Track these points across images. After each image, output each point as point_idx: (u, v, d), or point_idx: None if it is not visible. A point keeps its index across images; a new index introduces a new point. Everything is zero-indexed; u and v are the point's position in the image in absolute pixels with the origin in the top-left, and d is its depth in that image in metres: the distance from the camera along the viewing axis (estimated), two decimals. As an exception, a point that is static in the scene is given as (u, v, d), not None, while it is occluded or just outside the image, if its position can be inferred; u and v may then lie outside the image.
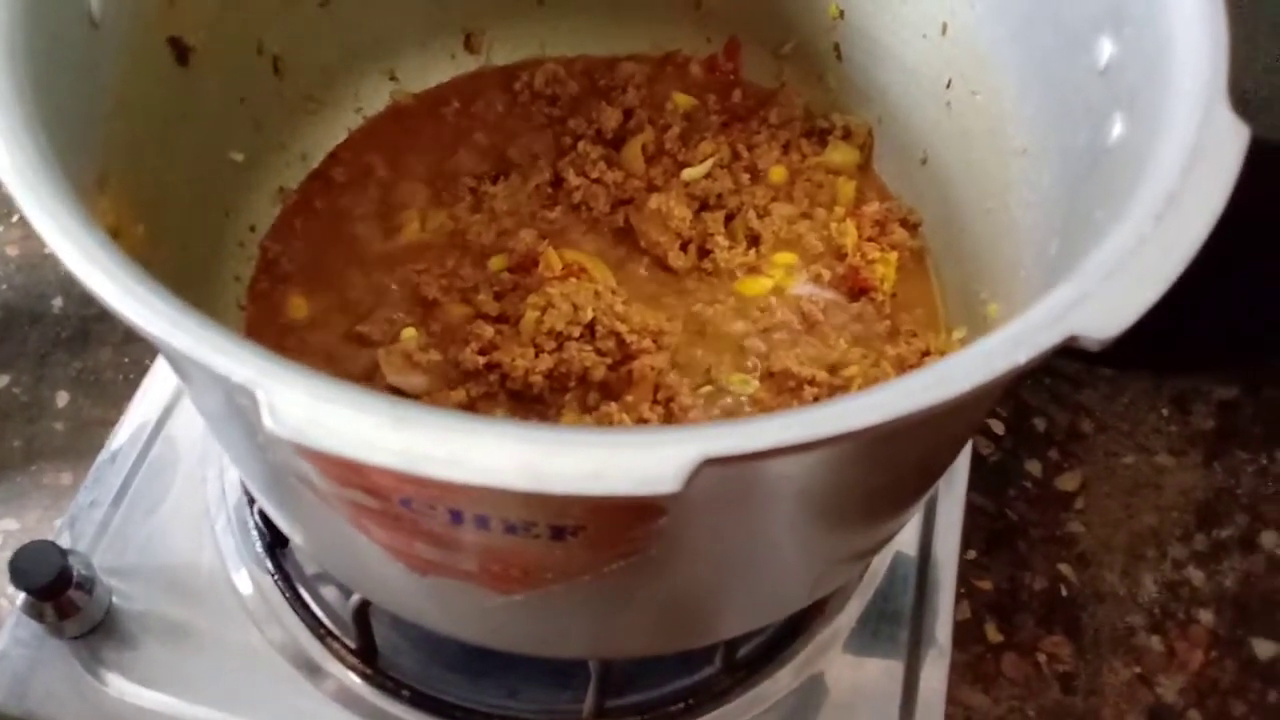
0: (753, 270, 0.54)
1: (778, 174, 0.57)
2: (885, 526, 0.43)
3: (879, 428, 0.25)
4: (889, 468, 0.34)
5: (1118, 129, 0.36)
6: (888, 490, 0.37)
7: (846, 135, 0.58)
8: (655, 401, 0.49)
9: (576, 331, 0.49)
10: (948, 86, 0.51)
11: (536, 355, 0.49)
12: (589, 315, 0.50)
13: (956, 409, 0.27)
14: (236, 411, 0.33)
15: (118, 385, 0.80)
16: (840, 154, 0.58)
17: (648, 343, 0.50)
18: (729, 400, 0.49)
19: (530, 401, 0.49)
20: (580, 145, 0.58)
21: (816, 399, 0.49)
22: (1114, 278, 0.28)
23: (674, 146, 0.58)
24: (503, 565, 0.33)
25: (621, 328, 0.50)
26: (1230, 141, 0.31)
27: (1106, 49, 0.39)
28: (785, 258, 0.54)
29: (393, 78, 0.60)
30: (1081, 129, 0.39)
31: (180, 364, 0.35)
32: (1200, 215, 0.29)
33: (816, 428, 0.25)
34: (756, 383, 0.50)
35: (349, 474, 0.29)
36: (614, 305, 0.51)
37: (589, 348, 0.49)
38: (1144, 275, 0.27)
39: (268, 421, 0.24)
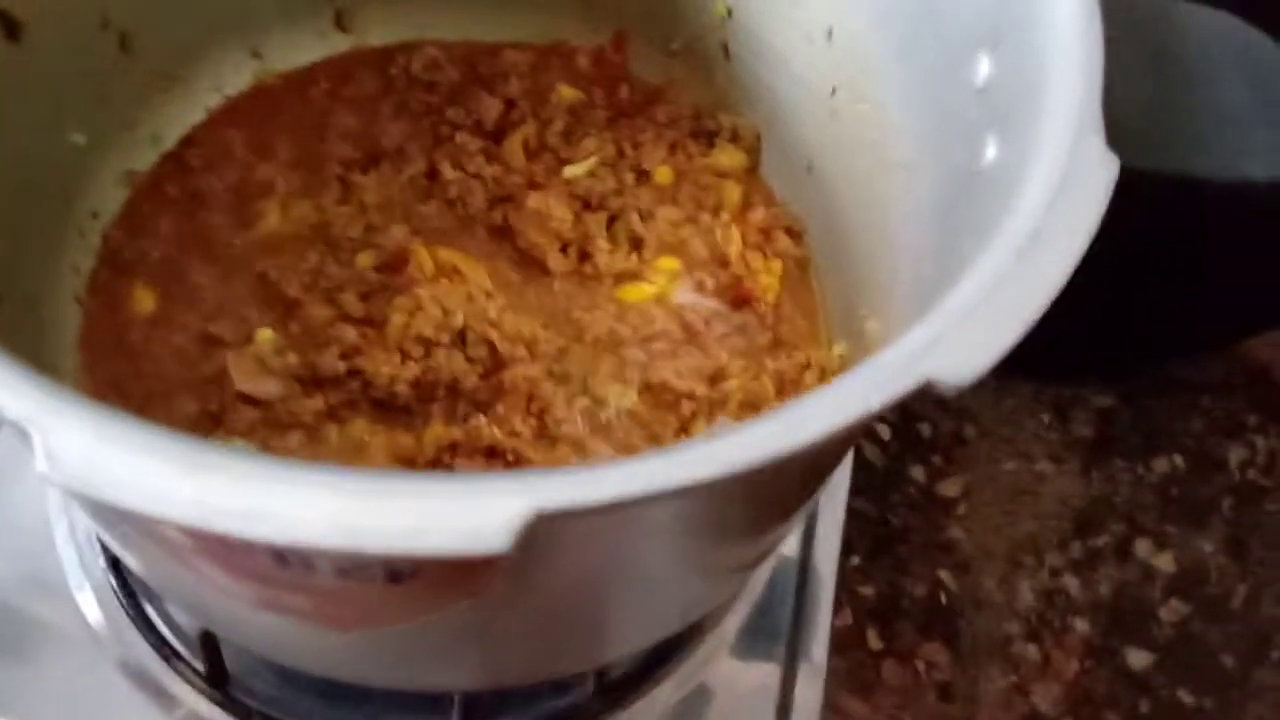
0: (634, 276, 0.52)
1: (663, 175, 0.56)
2: (751, 550, 0.42)
3: (724, 479, 0.23)
4: (747, 505, 0.33)
5: (991, 151, 0.36)
6: (748, 524, 0.36)
7: (734, 138, 0.56)
8: (528, 414, 0.47)
9: (446, 338, 0.47)
10: (833, 94, 0.50)
11: (403, 362, 0.46)
12: (460, 320, 0.47)
13: (806, 453, 0.25)
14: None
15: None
16: (728, 156, 0.56)
17: (522, 351, 0.48)
18: (605, 413, 0.48)
19: (394, 411, 0.46)
20: (458, 136, 0.55)
21: (694, 414, 0.47)
22: (971, 319, 0.26)
23: (557, 142, 0.56)
24: (337, 607, 0.31)
25: (494, 334, 0.47)
26: (1099, 174, 0.30)
27: (984, 67, 0.38)
28: (668, 263, 0.53)
29: (256, 55, 0.56)
30: (958, 148, 0.38)
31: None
32: (1064, 254, 0.28)
33: (660, 479, 0.23)
34: (634, 395, 0.48)
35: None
36: (487, 310, 0.48)
37: (459, 355, 0.47)
38: (1001, 318, 0.26)
39: (42, 466, 0.22)
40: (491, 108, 0.56)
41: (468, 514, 0.22)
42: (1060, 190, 0.30)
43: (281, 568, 0.28)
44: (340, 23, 0.58)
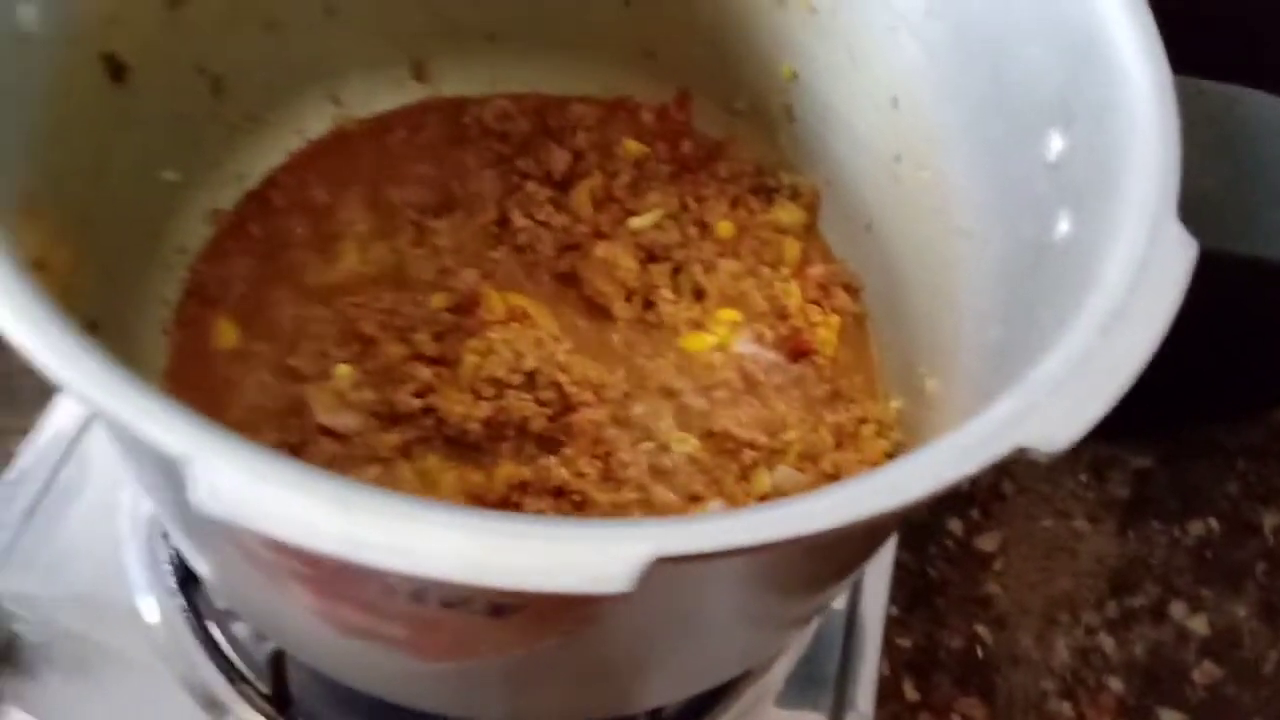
0: (696, 325, 0.54)
1: (725, 229, 0.57)
2: (814, 603, 0.43)
3: (827, 534, 0.25)
4: (829, 559, 0.34)
5: (1064, 226, 0.37)
6: (819, 577, 0.37)
7: (794, 195, 0.58)
8: (594, 456, 0.48)
9: (517, 379, 0.49)
10: (896, 160, 0.51)
11: (475, 401, 0.48)
12: (530, 363, 0.49)
13: (905, 511, 0.27)
14: (165, 467, 0.31)
15: (32, 394, 0.77)
16: (787, 213, 0.58)
17: (589, 395, 0.49)
18: (668, 459, 0.49)
19: (466, 448, 0.48)
20: (528, 185, 0.57)
21: (755, 463, 0.49)
22: (1061, 391, 0.28)
23: (623, 194, 0.58)
24: (434, 637, 0.32)
25: (563, 378, 0.49)
26: (1178, 258, 0.32)
27: (1057, 143, 0.39)
28: (729, 314, 0.54)
29: (336, 101, 0.59)
30: (1028, 221, 0.40)
31: (114, 427, 0.33)
32: (1146, 332, 0.29)
33: (768, 530, 0.25)
34: (696, 441, 0.50)
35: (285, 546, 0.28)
36: (556, 355, 0.50)
37: (529, 397, 0.49)
38: (1091, 391, 0.28)
39: (202, 499, 0.23)
40: (560, 159, 0.58)
41: (594, 556, 0.24)
42: (1141, 271, 0.31)
43: (388, 598, 0.30)
44: (417, 73, 0.60)
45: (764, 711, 0.54)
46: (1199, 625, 0.75)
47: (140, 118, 0.47)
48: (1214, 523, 0.80)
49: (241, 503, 0.23)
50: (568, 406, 0.49)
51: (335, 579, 0.30)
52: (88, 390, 0.26)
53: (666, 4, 0.59)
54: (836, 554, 0.34)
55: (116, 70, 0.46)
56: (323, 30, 0.56)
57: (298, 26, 0.54)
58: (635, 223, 0.57)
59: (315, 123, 0.59)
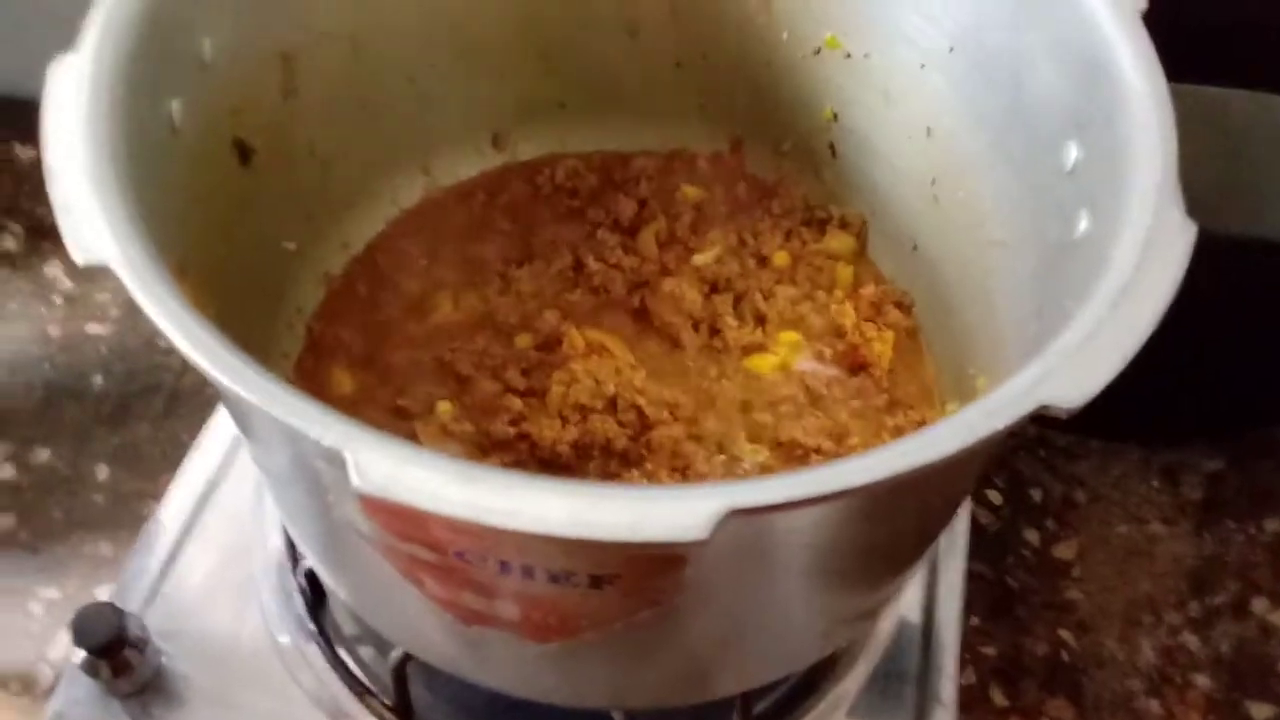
0: (759, 348, 0.58)
1: (781, 259, 0.62)
2: (887, 583, 0.46)
3: (875, 485, 0.29)
4: (888, 524, 0.38)
5: (1083, 224, 0.41)
6: (888, 546, 0.41)
7: (843, 225, 0.63)
8: (673, 469, 0.53)
9: (600, 404, 0.54)
10: (932, 184, 0.56)
11: (564, 426, 0.53)
12: (611, 390, 0.54)
13: (944, 469, 0.31)
14: (306, 472, 0.37)
15: (155, 459, 0.84)
16: (838, 241, 0.63)
17: (665, 414, 0.54)
18: (741, 468, 0.53)
19: (558, 469, 0.53)
20: (599, 233, 0.63)
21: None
22: (1077, 356, 0.32)
23: (685, 234, 0.63)
24: (543, 614, 0.37)
25: (641, 400, 0.54)
26: (1178, 238, 0.36)
27: (1073, 153, 0.44)
28: (789, 336, 0.59)
29: (426, 172, 0.66)
30: (1052, 225, 0.44)
31: (259, 427, 0.39)
32: (1151, 303, 0.33)
33: (822, 484, 0.29)
34: (766, 452, 0.54)
35: (412, 528, 0.33)
36: (633, 380, 0.55)
37: (611, 419, 0.53)
38: (1103, 354, 0.32)
39: (355, 480, 0.29)
40: (626, 207, 0.64)
41: (675, 511, 0.28)
42: (1146, 252, 0.35)
43: (503, 574, 0.34)
44: (496, 143, 0.67)
45: (844, 716, 0.57)
46: (1282, 620, 0.75)
47: (264, 195, 0.54)
48: (1290, 519, 0.81)
49: (388, 479, 0.29)
50: (646, 425, 0.53)
51: (455, 562, 0.35)
52: (269, 404, 0.31)
53: (714, 62, 0.64)
54: (898, 516, 0.38)
55: (244, 154, 0.53)
56: (413, 112, 0.63)
57: (392, 110, 0.61)
58: (698, 259, 0.62)
59: (408, 192, 0.65)
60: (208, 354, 0.32)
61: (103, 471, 0.84)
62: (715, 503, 0.28)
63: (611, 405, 0.54)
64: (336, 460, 0.29)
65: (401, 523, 0.33)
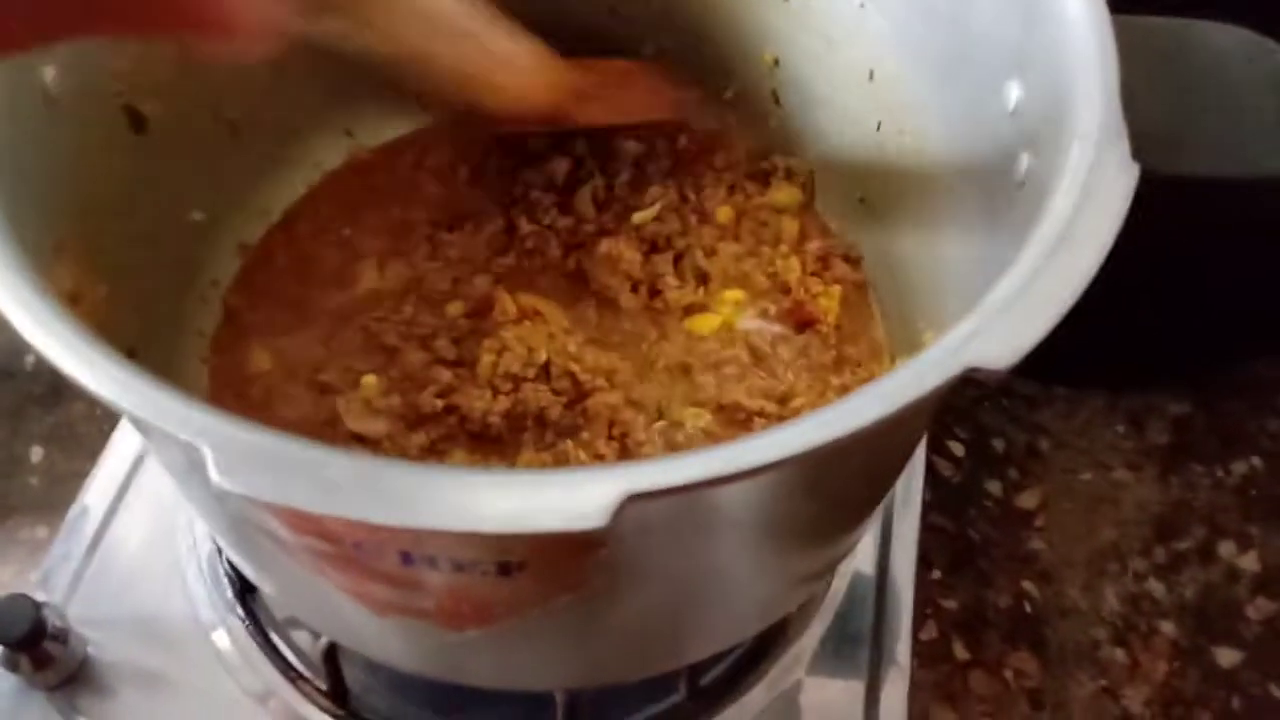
0: (701, 308, 0.56)
1: (724, 214, 0.59)
2: (829, 550, 0.45)
3: (787, 461, 0.27)
4: (821, 493, 0.36)
5: (1024, 167, 0.39)
6: (825, 514, 0.39)
7: (789, 176, 0.60)
8: (610, 438, 0.50)
9: (532, 373, 0.51)
10: (878, 128, 0.53)
11: (494, 397, 0.51)
12: (543, 357, 0.51)
13: (870, 438, 0.28)
14: (194, 466, 0.34)
15: (91, 438, 0.81)
16: (783, 194, 0.60)
17: (601, 381, 0.52)
18: (681, 434, 0.51)
19: (489, 442, 0.50)
20: (532, 194, 0.60)
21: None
22: (1008, 311, 0.30)
23: (623, 192, 0.60)
24: (455, 602, 0.35)
25: (575, 368, 0.51)
26: (1121, 179, 0.33)
27: (1015, 92, 0.41)
28: (733, 294, 0.56)
29: (349, 134, 0.62)
30: (996, 168, 0.41)
31: (138, 423, 0.37)
32: (1088, 251, 0.31)
33: (729, 463, 0.27)
34: (708, 416, 0.52)
35: (302, 521, 0.31)
36: (567, 346, 0.52)
37: (544, 388, 0.51)
38: (1036, 308, 0.29)
39: (215, 476, 0.26)
40: (561, 166, 0.61)
41: (568, 498, 0.26)
42: (1085, 196, 0.33)
43: (407, 566, 0.32)
44: (422, 101, 0.63)
45: (802, 675, 0.55)
46: (1249, 563, 0.74)
47: (163, 164, 0.51)
48: (1256, 461, 0.79)
49: (250, 477, 0.26)
50: (582, 393, 0.51)
51: (355, 554, 0.33)
52: (120, 397, 0.29)
53: (652, 6, 0.61)
54: (824, 494, 0.36)
55: (137, 122, 0.49)
56: (329, 70, 0.59)
57: (304, 69, 0.57)
58: (637, 217, 0.59)
59: (330, 155, 0.62)
60: (59, 342, 0.29)
61: (37, 453, 0.81)
62: (611, 488, 0.26)
63: (545, 373, 0.51)
64: (200, 457, 0.27)
65: (290, 515, 0.31)
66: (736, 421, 0.51)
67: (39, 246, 0.37)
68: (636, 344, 0.54)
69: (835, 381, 0.52)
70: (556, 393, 0.51)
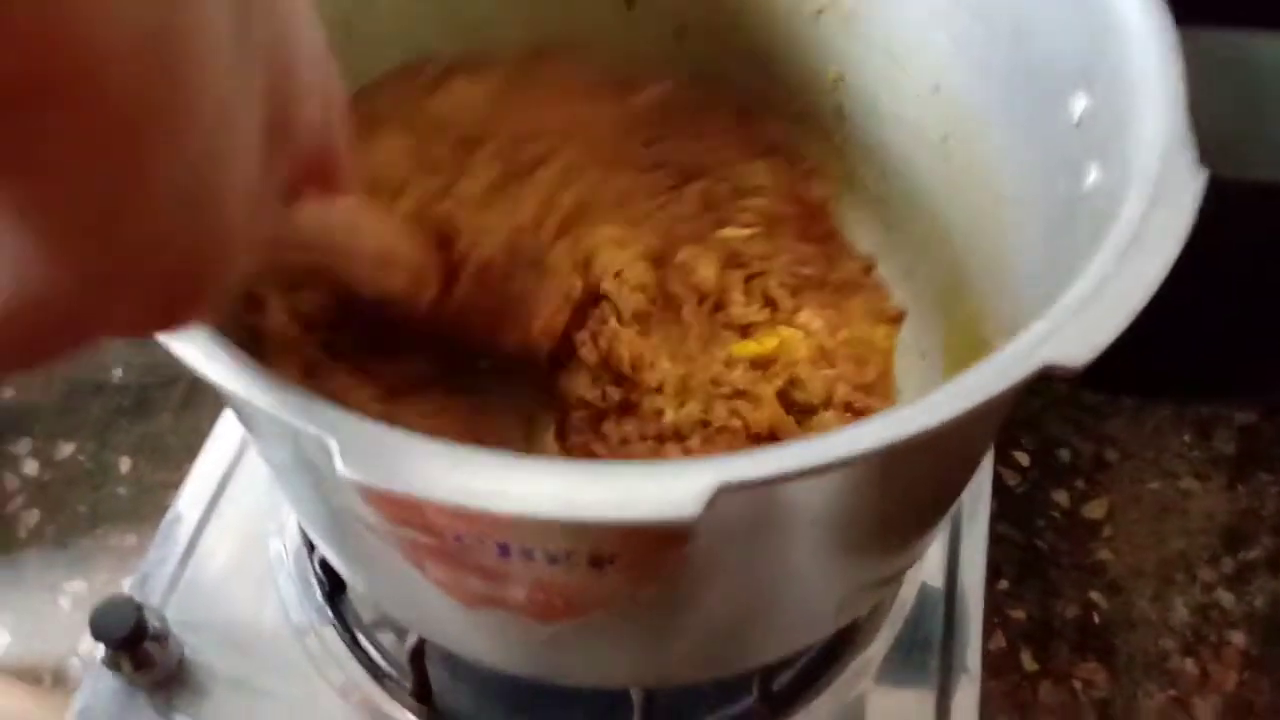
0: (762, 325, 0.57)
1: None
2: (902, 552, 0.46)
3: (873, 453, 0.28)
4: (897, 493, 0.37)
5: (1092, 176, 0.40)
6: (899, 515, 0.40)
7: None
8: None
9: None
10: (943, 141, 0.54)
11: None
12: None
13: (949, 434, 0.30)
14: (303, 462, 0.36)
15: (178, 450, 0.85)
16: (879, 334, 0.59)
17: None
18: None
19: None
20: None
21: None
22: (1083, 312, 0.31)
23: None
24: (547, 595, 0.36)
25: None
26: (1189, 184, 0.34)
27: (1081, 104, 0.42)
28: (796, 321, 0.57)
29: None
30: (1062, 178, 0.42)
31: (254, 419, 0.39)
32: (1160, 253, 0.32)
33: (816, 455, 0.28)
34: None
35: (408, 514, 0.33)
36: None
37: None
38: (1108, 309, 0.30)
39: (341, 467, 0.28)
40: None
41: (665, 489, 0.27)
42: (1154, 201, 0.34)
43: (503, 557, 0.34)
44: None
45: (872, 683, 0.56)
46: (1320, 574, 0.74)
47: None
48: (1326, 471, 0.79)
49: (372, 467, 0.28)
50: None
51: (455, 547, 0.34)
52: (252, 395, 0.31)
53: (714, 27, 0.63)
54: (893, 491, 0.37)
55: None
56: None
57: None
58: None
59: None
60: (187, 343, 0.31)
61: (125, 464, 0.85)
62: (705, 478, 0.27)
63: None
64: (324, 449, 0.29)
65: (397, 508, 0.33)
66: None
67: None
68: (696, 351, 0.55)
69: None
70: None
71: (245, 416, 0.41)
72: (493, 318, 0.45)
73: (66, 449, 0.85)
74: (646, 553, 0.33)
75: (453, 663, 0.55)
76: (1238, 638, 0.72)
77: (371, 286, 0.38)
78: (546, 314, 0.47)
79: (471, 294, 0.44)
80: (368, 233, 0.36)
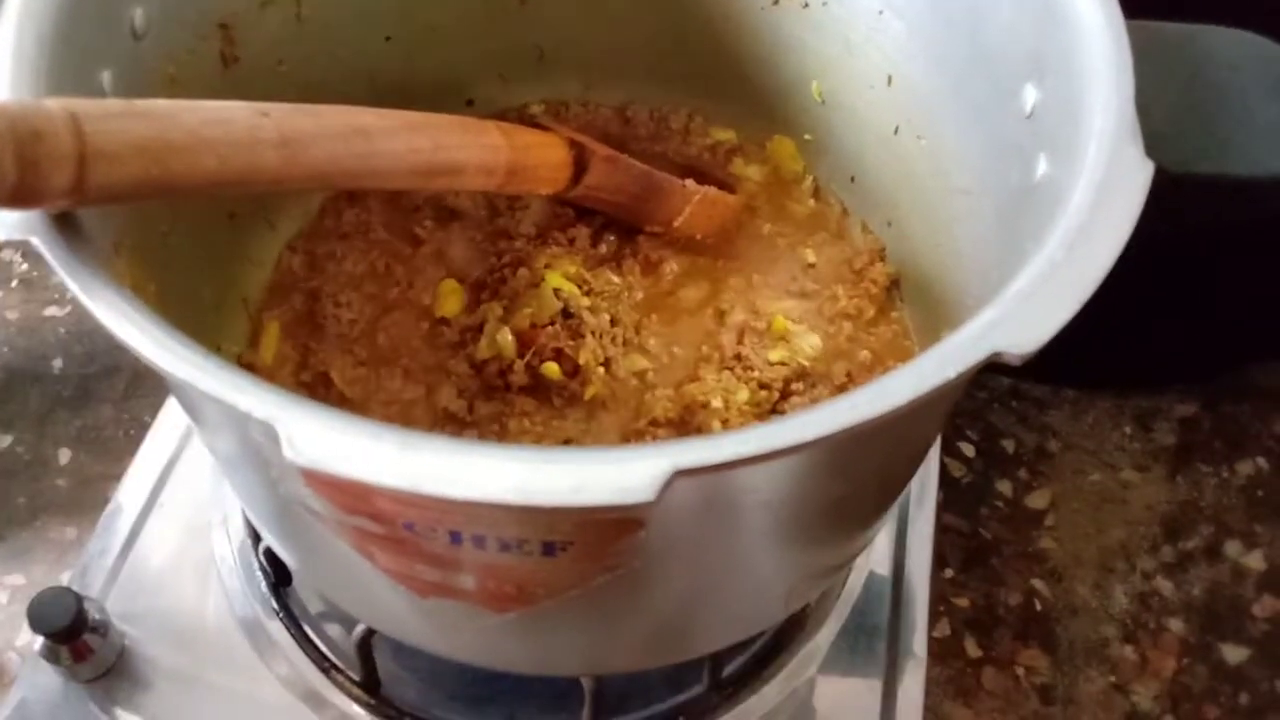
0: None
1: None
2: (852, 539, 0.46)
3: (825, 439, 0.28)
4: (848, 479, 0.37)
5: (1042, 168, 0.40)
6: (850, 502, 0.40)
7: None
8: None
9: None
10: (895, 132, 0.55)
11: None
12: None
13: (899, 420, 0.30)
14: (250, 449, 0.36)
15: (118, 441, 0.83)
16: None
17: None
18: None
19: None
20: None
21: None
22: (1030, 300, 0.31)
23: None
24: (498, 583, 0.36)
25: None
26: (1136, 175, 0.35)
27: (1032, 96, 0.43)
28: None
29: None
30: (1013, 170, 0.43)
31: (200, 406, 0.38)
32: (1107, 243, 0.32)
33: (769, 441, 0.28)
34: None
35: (357, 501, 0.32)
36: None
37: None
38: (1057, 297, 0.31)
39: (288, 452, 0.27)
40: None
41: (620, 474, 0.27)
42: (1102, 192, 0.35)
43: (455, 545, 0.34)
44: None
45: (821, 668, 0.56)
46: (1255, 561, 0.76)
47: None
48: (1262, 461, 0.81)
49: (321, 452, 0.28)
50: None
51: (405, 534, 0.34)
52: (197, 379, 0.30)
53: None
54: (845, 476, 0.37)
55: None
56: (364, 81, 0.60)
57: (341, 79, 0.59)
58: None
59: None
60: (135, 329, 0.30)
61: (65, 455, 0.83)
62: (661, 463, 0.27)
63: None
64: (271, 434, 0.28)
65: (345, 496, 0.32)
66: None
67: (103, 246, 0.38)
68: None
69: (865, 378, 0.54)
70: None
71: (190, 404, 0.40)
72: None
73: (4, 440, 0.83)
74: (601, 539, 0.33)
75: (401, 653, 0.54)
76: (1176, 625, 0.74)
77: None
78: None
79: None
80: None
